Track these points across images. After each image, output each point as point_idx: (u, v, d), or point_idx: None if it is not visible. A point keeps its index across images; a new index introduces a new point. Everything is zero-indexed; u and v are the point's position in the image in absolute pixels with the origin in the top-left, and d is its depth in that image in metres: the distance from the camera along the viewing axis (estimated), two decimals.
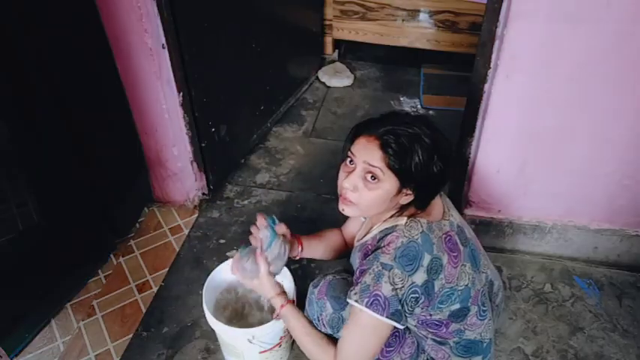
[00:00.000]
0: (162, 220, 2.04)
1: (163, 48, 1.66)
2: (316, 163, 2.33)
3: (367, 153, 1.06)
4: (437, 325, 1.16)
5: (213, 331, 1.45)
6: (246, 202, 2.12)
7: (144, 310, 1.69)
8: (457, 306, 1.13)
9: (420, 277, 1.06)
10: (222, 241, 1.94)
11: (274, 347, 1.39)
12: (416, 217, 1.12)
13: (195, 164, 1.98)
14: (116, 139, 1.78)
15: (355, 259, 1.26)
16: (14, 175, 1.67)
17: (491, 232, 1.84)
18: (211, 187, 2.13)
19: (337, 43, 3.08)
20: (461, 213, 1.82)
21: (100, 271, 1.83)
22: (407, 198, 1.11)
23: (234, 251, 1.83)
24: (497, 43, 1.42)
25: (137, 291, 1.76)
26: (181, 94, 1.78)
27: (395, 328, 1.11)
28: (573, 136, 1.56)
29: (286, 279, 1.43)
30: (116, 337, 1.61)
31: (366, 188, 1.08)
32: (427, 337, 1.21)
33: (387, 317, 1.05)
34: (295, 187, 2.21)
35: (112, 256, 1.89)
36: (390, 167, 1.05)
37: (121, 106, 1.77)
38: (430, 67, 3.01)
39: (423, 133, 1.06)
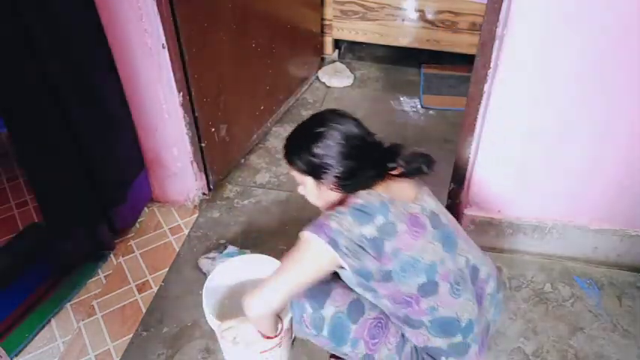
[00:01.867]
0: (162, 220, 2.04)
1: (163, 48, 1.66)
2: None
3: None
4: (407, 301, 1.15)
5: (213, 331, 1.45)
6: (246, 202, 2.13)
7: (144, 310, 1.69)
8: (423, 279, 1.12)
9: (369, 231, 1.08)
10: (222, 241, 1.94)
11: (274, 347, 1.39)
12: (374, 190, 1.17)
13: (195, 164, 1.98)
14: (116, 139, 1.78)
15: None
16: (14, 175, 1.67)
17: (491, 232, 1.84)
18: (211, 187, 2.13)
19: (337, 43, 3.08)
20: (461, 213, 1.83)
21: (100, 271, 1.83)
22: (332, 185, 1.16)
23: (214, 253, 1.84)
24: (497, 43, 1.42)
25: (137, 291, 1.76)
26: (181, 94, 1.78)
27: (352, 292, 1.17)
28: (573, 136, 1.56)
29: None
30: (116, 337, 1.61)
31: (303, 187, 1.24)
32: (404, 325, 1.20)
33: (326, 241, 1.06)
34: (295, 187, 2.20)
35: (112, 256, 1.89)
36: (294, 169, 1.20)
37: (120, 106, 1.77)
38: (430, 67, 3.01)
39: (309, 129, 1.17)
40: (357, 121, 1.19)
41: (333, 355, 1.55)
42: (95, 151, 1.67)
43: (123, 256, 1.89)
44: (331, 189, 1.17)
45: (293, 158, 1.19)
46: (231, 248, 1.84)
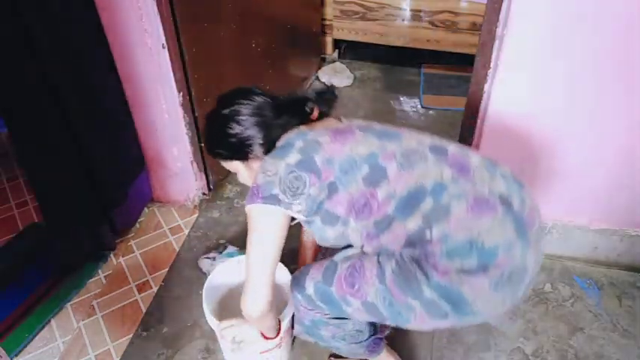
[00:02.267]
0: (162, 219, 2.04)
1: (163, 48, 1.66)
2: None
3: None
4: (365, 203, 1.05)
5: (213, 331, 1.45)
6: None
7: (144, 310, 1.69)
8: (366, 169, 1.05)
9: (292, 158, 1.07)
10: (222, 241, 1.94)
11: (274, 348, 1.39)
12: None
13: (195, 164, 1.98)
14: (116, 139, 1.78)
15: None
16: (14, 175, 1.67)
17: None
18: (211, 187, 2.13)
19: (337, 43, 3.08)
20: None
21: (100, 271, 1.83)
22: (261, 156, 1.16)
23: (214, 253, 1.84)
24: (497, 43, 1.42)
25: (137, 291, 1.76)
26: (181, 94, 1.78)
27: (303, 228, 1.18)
28: (573, 135, 1.56)
29: (284, 277, 1.43)
30: (116, 337, 1.61)
31: (240, 175, 1.25)
32: (379, 237, 1.08)
33: (262, 203, 1.05)
34: None
35: (112, 256, 1.89)
36: (220, 159, 1.23)
37: (120, 106, 1.77)
38: (430, 67, 3.01)
39: (218, 115, 1.17)
40: (258, 90, 1.19)
41: (332, 355, 1.55)
42: (95, 151, 1.67)
43: (123, 256, 1.89)
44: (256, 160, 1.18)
45: (214, 149, 1.21)
46: (231, 248, 1.84)
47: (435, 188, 1.03)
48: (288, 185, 1.05)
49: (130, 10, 1.57)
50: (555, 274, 1.83)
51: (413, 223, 1.03)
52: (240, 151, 1.17)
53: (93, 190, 1.72)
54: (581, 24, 1.34)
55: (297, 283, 1.23)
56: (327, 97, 1.21)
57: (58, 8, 1.43)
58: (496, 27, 1.40)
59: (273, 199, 1.05)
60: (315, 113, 1.18)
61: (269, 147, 1.16)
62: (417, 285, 1.02)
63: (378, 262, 1.08)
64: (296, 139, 1.11)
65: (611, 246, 1.79)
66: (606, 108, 1.48)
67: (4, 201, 2.14)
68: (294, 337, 1.58)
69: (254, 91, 1.18)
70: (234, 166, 1.22)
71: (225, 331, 1.30)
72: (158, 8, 1.57)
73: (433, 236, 1.01)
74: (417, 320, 1.07)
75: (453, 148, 1.14)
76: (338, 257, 1.17)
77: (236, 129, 1.14)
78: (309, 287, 1.19)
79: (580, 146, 1.58)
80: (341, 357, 1.53)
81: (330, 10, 2.87)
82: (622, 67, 1.39)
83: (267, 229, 1.09)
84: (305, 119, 1.18)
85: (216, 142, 1.19)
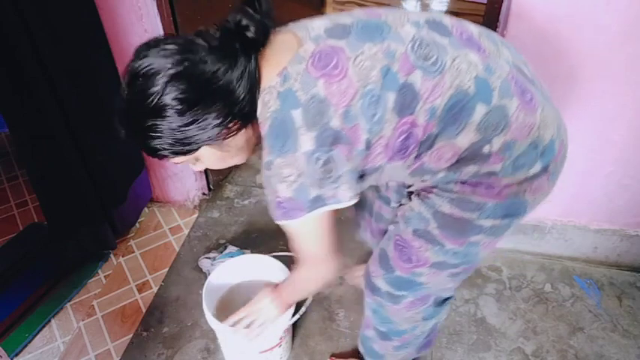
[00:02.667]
0: (162, 220, 2.04)
1: None
2: None
3: None
4: (407, 130, 0.84)
5: (213, 331, 1.45)
6: (246, 202, 2.12)
7: (144, 310, 1.69)
8: (391, 98, 0.82)
9: (306, 143, 0.80)
10: (222, 241, 1.94)
11: (274, 347, 1.39)
12: (264, 91, 0.83)
13: None
14: (116, 139, 1.77)
15: None
16: (14, 175, 1.67)
17: None
18: (211, 187, 2.13)
19: None
20: None
21: (100, 271, 1.83)
22: (230, 130, 0.84)
23: (214, 253, 1.84)
24: None
25: (137, 291, 1.76)
26: None
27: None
28: (573, 135, 1.54)
29: (284, 277, 1.43)
30: (116, 337, 1.61)
31: (199, 163, 0.93)
32: (422, 158, 0.89)
33: (307, 212, 0.85)
34: None
35: (112, 255, 1.89)
36: (175, 158, 0.88)
37: None
38: None
39: (144, 108, 0.82)
40: (174, 43, 0.80)
41: (333, 355, 1.55)
42: (95, 150, 1.67)
43: (123, 256, 1.89)
44: (234, 134, 0.85)
45: (166, 152, 0.84)
46: (231, 248, 1.84)
47: (478, 89, 0.83)
48: (321, 176, 0.82)
49: (130, 10, 1.57)
50: (555, 274, 1.83)
51: (466, 139, 0.85)
52: (195, 139, 0.82)
53: (93, 189, 1.72)
54: (580, 24, 1.33)
55: (369, 288, 1.19)
56: (262, 6, 0.84)
57: (58, 8, 1.43)
58: (496, 27, 1.40)
59: (317, 202, 0.84)
60: (263, 37, 0.84)
61: (240, 119, 0.83)
62: (470, 225, 0.94)
63: (414, 232, 1.00)
64: (285, 110, 0.80)
65: (611, 246, 1.79)
66: (606, 107, 1.48)
67: (4, 201, 2.14)
68: (294, 337, 1.58)
69: (166, 48, 0.80)
70: (193, 156, 0.87)
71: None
72: (158, 8, 1.57)
73: (493, 149, 0.85)
74: (486, 248, 1.01)
75: (448, 19, 0.92)
76: (382, 244, 1.12)
77: (184, 120, 0.79)
78: (381, 284, 1.14)
79: (580, 146, 1.58)
80: (342, 357, 1.53)
81: (330, 10, 2.87)
82: (622, 66, 1.39)
83: (319, 229, 0.91)
84: (256, 53, 0.83)
85: (168, 143, 0.82)
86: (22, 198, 2.15)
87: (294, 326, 1.60)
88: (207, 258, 1.81)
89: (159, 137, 0.81)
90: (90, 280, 1.80)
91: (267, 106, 0.83)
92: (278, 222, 0.90)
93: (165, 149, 0.83)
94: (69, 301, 1.72)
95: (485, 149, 0.85)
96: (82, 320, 1.67)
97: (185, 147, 0.83)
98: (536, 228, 1.80)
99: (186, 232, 1.98)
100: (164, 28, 1.62)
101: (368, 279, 1.18)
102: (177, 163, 0.90)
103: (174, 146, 0.82)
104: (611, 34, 1.34)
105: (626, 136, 1.53)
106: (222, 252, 1.83)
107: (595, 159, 1.59)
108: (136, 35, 1.63)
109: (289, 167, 0.82)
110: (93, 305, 1.71)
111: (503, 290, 1.76)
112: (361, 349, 1.43)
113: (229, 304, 1.53)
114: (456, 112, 0.83)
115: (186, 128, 0.79)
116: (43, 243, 1.88)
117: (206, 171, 2.06)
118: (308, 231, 0.91)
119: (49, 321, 1.66)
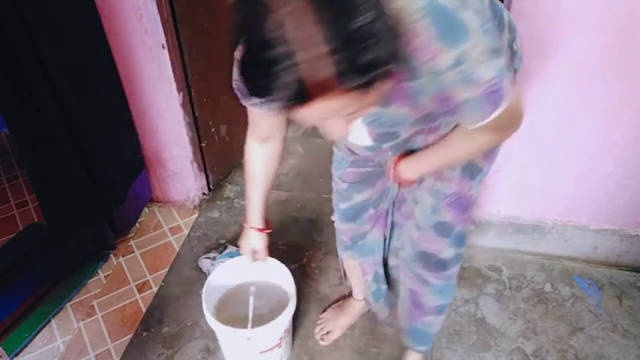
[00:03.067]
0: (163, 220, 2.04)
1: (163, 48, 1.66)
2: (316, 163, 2.33)
3: None
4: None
5: (213, 331, 1.45)
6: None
7: (144, 310, 1.69)
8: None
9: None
10: (222, 241, 1.94)
11: (274, 347, 1.39)
12: None
13: (195, 164, 1.98)
14: (116, 139, 1.78)
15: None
16: (14, 175, 1.67)
17: (492, 232, 1.84)
18: (211, 187, 2.13)
19: None
20: None
21: (100, 271, 1.83)
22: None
23: (214, 253, 1.84)
24: None
25: (137, 291, 1.76)
26: (181, 94, 1.78)
27: None
28: (573, 135, 1.56)
29: (284, 277, 1.43)
30: (116, 337, 1.61)
31: (346, 123, 0.69)
32: None
33: (513, 74, 0.90)
34: (295, 186, 2.21)
35: (112, 256, 1.89)
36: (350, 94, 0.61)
37: (120, 106, 1.77)
38: None
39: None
40: None
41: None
42: (95, 150, 1.67)
43: (123, 256, 1.89)
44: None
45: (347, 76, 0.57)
46: (231, 248, 1.84)
47: None
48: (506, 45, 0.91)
49: (130, 11, 1.57)
50: (555, 274, 1.83)
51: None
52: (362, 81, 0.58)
53: (93, 189, 1.72)
54: (580, 24, 1.33)
55: (438, 268, 1.22)
56: None
57: (58, 8, 1.43)
58: None
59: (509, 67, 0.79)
60: None
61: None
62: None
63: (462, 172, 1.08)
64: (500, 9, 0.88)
65: (611, 246, 1.79)
66: (606, 107, 1.48)
67: (4, 201, 2.14)
68: (294, 337, 1.58)
69: None
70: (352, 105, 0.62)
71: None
72: (158, 8, 1.57)
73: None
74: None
75: None
76: (423, 220, 1.16)
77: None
78: (447, 253, 1.19)
79: (580, 146, 1.58)
80: None
81: None
82: (622, 67, 1.39)
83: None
84: None
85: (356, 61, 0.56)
86: (22, 198, 2.15)
87: (294, 326, 1.60)
88: (207, 258, 1.81)
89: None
90: (90, 280, 1.80)
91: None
92: (505, 105, 0.81)
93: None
94: (69, 301, 1.72)
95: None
96: (82, 320, 1.67)
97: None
98: (536, 228, 1.80)
99: (186, 232, 1.98)
100: (164, 28, 1.62)
101: (432, 262, 1.20)
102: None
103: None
104: (611, 34, 1.34)
105: (626, 136, 1.53)
106: (222, 252, 1.83)
107: (595, 159, 1.59)
108: (136, 35, 1.63)
109: (493, 41, 0.71)
110: (93, 305, 1.71)
111: (503, 290, 1.76)
112: (409, 343, 1.46)
113: (229, 304, 1.53)
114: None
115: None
116: (43, 243, 1.88)
117: (206, 171, 2.06)
118: (515, 109, 0.89)
119: (49, 321, 1.66)
